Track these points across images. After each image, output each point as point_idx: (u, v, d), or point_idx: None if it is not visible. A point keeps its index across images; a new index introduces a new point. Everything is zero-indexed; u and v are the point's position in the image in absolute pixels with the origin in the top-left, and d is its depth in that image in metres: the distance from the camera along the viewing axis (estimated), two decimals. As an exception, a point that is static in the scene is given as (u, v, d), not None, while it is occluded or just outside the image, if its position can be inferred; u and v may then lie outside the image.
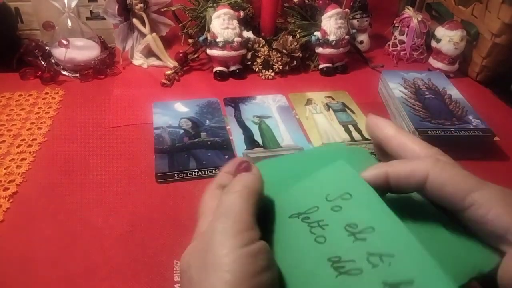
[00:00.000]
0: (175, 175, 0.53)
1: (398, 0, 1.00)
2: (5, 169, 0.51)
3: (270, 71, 0.78)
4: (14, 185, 0.49)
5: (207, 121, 0.64)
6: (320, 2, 0.79)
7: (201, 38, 0.75)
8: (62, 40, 0.71)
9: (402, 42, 0.88)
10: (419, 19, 0.86)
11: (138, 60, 0.79)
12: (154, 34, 0.78)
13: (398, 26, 0.89)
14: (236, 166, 0.29)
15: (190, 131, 0.61)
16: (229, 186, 0.28)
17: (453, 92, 0.69)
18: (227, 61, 0.76)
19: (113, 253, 0.42)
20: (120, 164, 0.54)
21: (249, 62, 0.79)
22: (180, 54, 0.78)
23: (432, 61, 0.82)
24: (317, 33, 0.78)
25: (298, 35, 0.80)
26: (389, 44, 0.91)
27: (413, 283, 0.20)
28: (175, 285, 0.39)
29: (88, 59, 0.74)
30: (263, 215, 0.28)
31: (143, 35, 0.79)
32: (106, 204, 0.48)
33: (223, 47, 0.74)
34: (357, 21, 0.87)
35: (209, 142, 0.59)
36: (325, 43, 0.78)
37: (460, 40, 0.77)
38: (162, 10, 0.81)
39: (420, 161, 0.26)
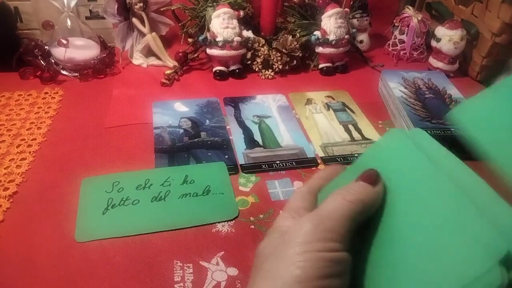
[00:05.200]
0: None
1: (398, -1, 1.00)
2: (5, 169, 0.51)
3: (270, 70, 0.78)
4: (14, 185, 0.49)
5: (207, 121, 0.64)
6: (320, 1, 0.79)
7: (200, 38, 0.75)
8: (61, 39, 0.71)
9: (402, 41, 0.88)
10: (419, 18, 0.86)
11: (138, 59, 0.79)
12: (153, 33, 0.78)
13: (398, 26, 0.89)
14: (364, 172, 0.27)
15: (190, 131, 0.61)
16: (345, 190, 0.27)
17: (453, 91, 0.69)
18: (227, 60, 0.76)
19: (113, 253, 0.42)
20: (120, 164, 0.54)
21: (249, 62, 0.78)
22: (180, 54, 0.77)
23: (432, 61, 0.82)
24: (317, 33, 0.78)
25: (298, 34, 0.80)
26: (389, 44, 0.91)
27: None
28: (175, 285, 0.39)
29: (88, 58, 0.74)
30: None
31: (142, 35, 0.79)
32: (106, 204, 0.48)
33: (222, 47, 0.74)
34: (357, 20, 0.87)
35: (209, 142, 0.59)
36: (325, 42, 0.78)
37: (460, 40, 0.77)
38: (162, 9, 0.81)
39: None
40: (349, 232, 0.25)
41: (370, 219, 0.27)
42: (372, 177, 0.27)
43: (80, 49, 0.74)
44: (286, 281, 0.23)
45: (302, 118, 0.66)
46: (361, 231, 0.27)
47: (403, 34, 0.87)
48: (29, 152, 0.55)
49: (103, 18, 0.78)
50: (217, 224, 0.46)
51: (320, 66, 0.81)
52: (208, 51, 0.76)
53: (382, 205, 0.27)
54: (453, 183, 0.24)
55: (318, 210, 0.26)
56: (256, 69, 0.78)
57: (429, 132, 0.57)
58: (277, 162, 0.56)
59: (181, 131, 0.61)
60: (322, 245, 0.24)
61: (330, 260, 0.24)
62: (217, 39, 0.73)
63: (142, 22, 0.77)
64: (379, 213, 0.27)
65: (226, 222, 0.46)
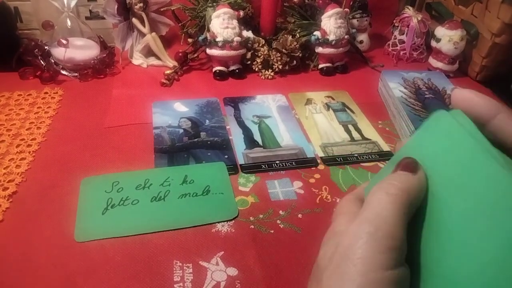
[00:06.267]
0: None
1: (398, -1, 1.00)
2: (4, 168, 0.51)
3: (270, 70, 0.78)
4: (13, 184, 0.49)
5: (207, 121, 0.64)
6: (320, 1, 0.79)
7: (200, 38, 0.75)
8: (61, 39, 0.71)
9: (402, 41, 0.88)
10: (419, 18, 0.86)
11: (138, 59, 0.79)
12: (153, 33, 0.78)
13: (398, 26, 0.89)
14: (400, 161, 0.24)
15: (189, 131, 0.61)
16: (386, 183, 0.23)
17: (453, 92, 0.69)
18: (226, 60, 0.76)
19: (113, 253, 0.42)
20: (119, 164, 0.54)
21: (249, 62, 0.78)
22: (180, 54, 0.77)
23: (432, 61, 0.82)
24: (317, 33, 0.78)
25: (298, 34, 0.80)
26: (389, 44, 0.91)
27: None
28: (175, 285, 0.39)
29: (88, 58, 0.74)
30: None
31: (142, 35, 0.79)
32: (105, 204, 0.48)
33: (222, 47, 0.74)
34: (357, 20, 0.87)
35: (208, 142, 0.59)
36: (325, 42, 0.78)
37: (460, 40, 0.77)
38: (162, 9, 0.81)
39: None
40: (404, 232, 0.22)
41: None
42: (410, 165, 0.24)
43: (80, 49, 0.74)
44: None
45: (302, 118, 0.66)
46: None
47: (403, 34, 0.88)
48: (29, 152, 0.55)
49: (103, 18, 0.78)
50: (216, 224, 0.46)
51: (320, 66, 0.81)
52: (208, 51, 0.76)
53: (427, 196, 0.24)
54: (502, 166, 0.22)
55: (364, 213, 0.23)
56: (256, 69, 0.78)
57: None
58: (277, 162, 0.56)
59: (181, 131, 0.61)
60: (384, 259, 0.21)
61: (394, 281, 0.21)
62: (217, 39, 0.73)
63: (142, 22, 0.78)
64: (423, 204, 0.24)
65: (225, 222, 0.46)
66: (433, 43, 0.81)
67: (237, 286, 0.39)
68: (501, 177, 0.21)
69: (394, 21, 0.90)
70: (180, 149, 0.57)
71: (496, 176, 0.21)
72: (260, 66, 0.78)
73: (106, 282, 0.39)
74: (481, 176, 0.22)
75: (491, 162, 0.22)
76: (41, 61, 0.72)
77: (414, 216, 0.24)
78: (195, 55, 0.80)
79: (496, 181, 0.21)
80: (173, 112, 0.65)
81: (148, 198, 0.48)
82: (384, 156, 0.58)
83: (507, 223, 0.20)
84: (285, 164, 0.55)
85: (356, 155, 0.58)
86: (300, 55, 0.79)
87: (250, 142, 0.60)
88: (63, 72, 0.74)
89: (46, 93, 0.68)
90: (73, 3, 0.73)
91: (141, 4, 0.76)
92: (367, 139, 0.62)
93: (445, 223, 0.23)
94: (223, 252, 0.42)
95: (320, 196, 0.51)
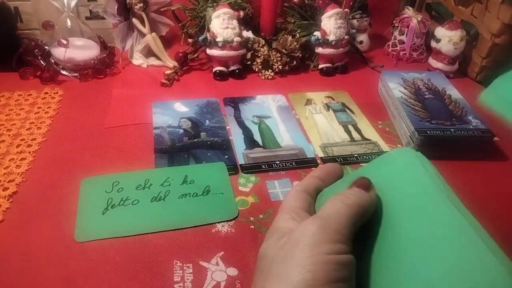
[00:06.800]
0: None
1: (398, 0, 1.00)
2: (4, 169, 0.51)
3: (270, 71, 0.78)
4: (13, 185, 0.49)
5: (207, 121, 0.64)
6: (320, 2, 0.79)
7: (200, 38, 0.75)
8: (61, 39, 0.71)
9: (401, 42, 0.88)
10: (419, 19, 0.86)
11: (138, 59, 0.79)
12: (153, 33, 0.78)
13: (397, 26, 0.89)
14: (357, 179, 0.30)
15: (190, 131, 0.61)
16: (342, 195, 0.28)
17: (453, 92, 0.69)
18: (226, 61, 0.76)
19: (113, 253, 0.42)
20: (119, 164, 0.54)
21: (249, 62, 0.78)
22: (180, 54, 0.77)
23: (432, 61, 0.82)
24: (317, 33, 0.78)
25: (298, 35, 0.80)
26: (388, 44, 0.91)
27: None
28: (175, 285, 0.39)
29: (88, 58, 0.74)
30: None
31: (142, 35, 0.79)
32: (106, 204, 0.48)
33: (222, 47, 0.74)
34: (357, 21, 0.87)
35: (208, 142, 0.59)
36: (325, 43, 0.78)
37: (459, 40, 0.77)
38: (162, 9, 0.81)
39: None
40: (351, 235, 0.26)
41: (367, 228, 0.29)
42: (365, 184, 0.29)
43: (80, 49, 0.74)
44: (297, 285, 0.23)
45: (301, 119, 0.66)
46: (359, 240, 0.28)
47: (403, 34, 0.88)
48: (29, 152, 0.55)
49: (103, 18, 0.78)
50: (217, 224, 0.46)
51: (320, 66, 0.81)
52: (208, 51, 0.76)
53: (380, 215, 0.29)
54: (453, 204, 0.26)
55: (319, 214, 0.27)
56: (256, 70, 0.78)
57: (428, 132, 0.58)
58: (277, 162, 0.56)
59: (181, 131, 0.61)
60: (329, 247, 0.25)
61: (338, 263, 0.24)
62: (217, 40, 0.73)
63: (142, 23, 0.78)
64: (376, 222, 0.29)
65: (226, 222, 0.46)
66: (433, 44, 0.81)
67: (237, 286, 0.39)
68: (452, 218, 0.25)
69: (394, 22, 0.90)
70: (180, 149, 0.57)
71: (447, 217, 0.25)
72: (260, 67, 0.78)
73: (106, 282, 0.39)
74: (433, 214, 0.26)
75: (444, 203, 0.26)
76: (41, 61, 0.72)
77: (370, 234, 0.28)
78: (195, 55, 0.80)
79: (445, 221, 0.25)
80: (173, 112, 0.65)
81: (148, 198, 0.48)
82: (384, 156, 0.58)
83: (448, 258, 0.24)
84: (285, 164, 0.56)
85: (356, 155, 0.58)
86: (300, 55, 0.79)
87: (250, 142, 0.60)
88: (63, 72, 0.74)
89: (46, 93, 0.68)
90: (73, 3, 0.73)
91: (141, 4, 0.76)
92: (367, 139, 0.62)
93: (396, 247, 0.26)
94: (223, 252, 0.42)
95: (320, 196, 0.51)
